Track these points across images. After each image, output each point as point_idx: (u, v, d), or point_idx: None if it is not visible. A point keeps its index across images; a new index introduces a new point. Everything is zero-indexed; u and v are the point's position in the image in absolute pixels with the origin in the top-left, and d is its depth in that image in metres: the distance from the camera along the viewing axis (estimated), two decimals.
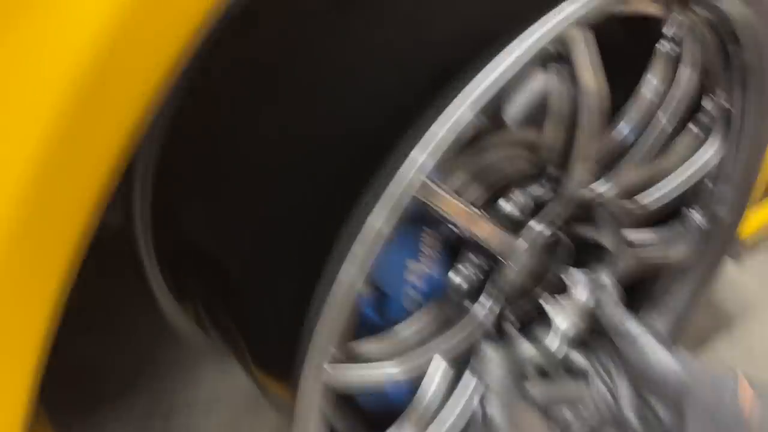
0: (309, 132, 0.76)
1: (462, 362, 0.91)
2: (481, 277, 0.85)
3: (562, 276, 0.99)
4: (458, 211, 0.74)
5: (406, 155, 0.66)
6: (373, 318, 0.80)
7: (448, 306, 0.85)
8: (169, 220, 0.96)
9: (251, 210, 0.81)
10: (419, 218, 0.77)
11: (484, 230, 0.78)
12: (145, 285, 1.03)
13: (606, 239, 0.95)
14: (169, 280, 1.01)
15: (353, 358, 0.77)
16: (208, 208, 0.88)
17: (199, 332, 1.06)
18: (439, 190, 0.70)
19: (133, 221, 0.98)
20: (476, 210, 0.76)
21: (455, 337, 0.85)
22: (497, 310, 0.89)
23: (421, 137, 0.66)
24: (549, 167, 0.85)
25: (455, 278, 0.85)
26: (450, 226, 0.76)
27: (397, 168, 0.66)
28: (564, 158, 0.82)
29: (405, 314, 0.82)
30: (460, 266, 0.84)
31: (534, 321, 1.00)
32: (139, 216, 0.97)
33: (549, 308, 0.99)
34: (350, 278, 0.67)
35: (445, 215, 0.72)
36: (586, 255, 0.99)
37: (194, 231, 0.93)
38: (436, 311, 0.85)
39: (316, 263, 0.70)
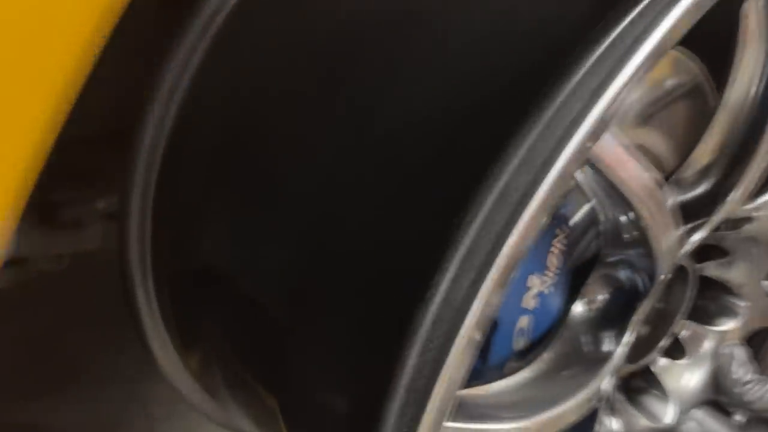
0: (401, 114, 0.54)
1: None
2: (618, 308, 0.64)
3: (680, 332, 0.78)
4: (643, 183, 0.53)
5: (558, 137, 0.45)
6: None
7: (571, 350, 0.63)
8: (179, 239, 0.72)
9: (310, 224, 0.58)
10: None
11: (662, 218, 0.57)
12: (137, 327, 0.79)
13: (742, 284, 0.75)
14: (171, 322, 0.78)
15: (464, 413, 0.53)
16: (241, 222, 0.65)
17: (202, 392, 0.81)
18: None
19: (127, 240, 0.75)
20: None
21: (582, 395, 0.62)
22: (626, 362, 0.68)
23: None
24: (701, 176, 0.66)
25: (585, 308, 0.63)
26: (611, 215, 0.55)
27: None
28: (730, 164, 0.64)
29: (510, 356, 0.59)
30: (591, 293, 0.63)
31: (641, 389, 0.79)
32: (136, 231, 0.74)
33: (665, 373, 0.78)
34: (483, 312, 0.44)
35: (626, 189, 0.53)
36: (710, 305, 0.79)
37: (217, 255, 0.69)
38: (555, 357, 0.62)
39: (413, 292, 0.47)
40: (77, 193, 0.84)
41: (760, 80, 0.62)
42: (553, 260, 0.57)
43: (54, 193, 0.83)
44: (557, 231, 0.57)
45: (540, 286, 0.57)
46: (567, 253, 0.58)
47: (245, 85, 0.65)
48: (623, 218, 0.59)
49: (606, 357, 0.62)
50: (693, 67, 0.74)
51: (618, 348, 0.62)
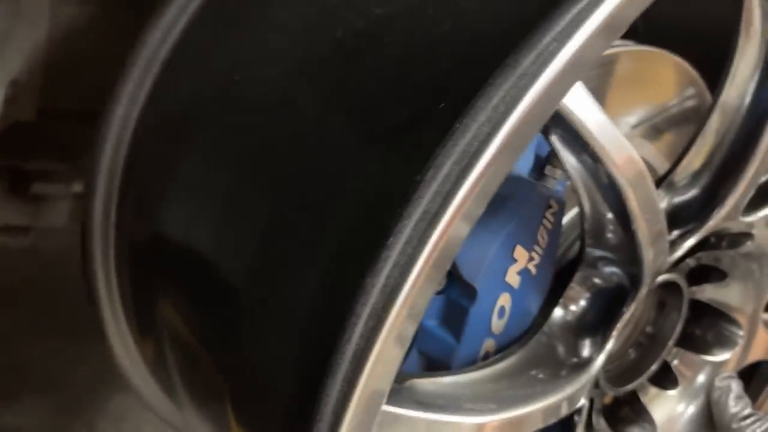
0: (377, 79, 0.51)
1: None
2: (600, 314, 0.59)
3: (672, 360, 0.73)
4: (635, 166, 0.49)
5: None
6: (442, 336, 0.53)
7: (544, 353, 0.58)
8: (143, 217, 0.69)
9: (273, 193, 0.54)
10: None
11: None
12: (95, 309, 0.74)
13: (740, 309, 0.71)
14: (129, 305, 0.73)
15: (413, 400, 0.49)
16: (205, 199, 0.61)
17: (154, 383, 0.75)
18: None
19: (91, 217, 0.71)
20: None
21: (550, 401, 0.56)
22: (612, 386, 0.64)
23: None
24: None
25: (566, 312, 0.59)
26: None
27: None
28: (724, 167, 0.61)
29: (485, 338, 0.54)
30: (572, 298, 0.59)
31: (628, 419, 0.73)
32: (100, 208, 0.70)
33: (654, 403, 0.72)
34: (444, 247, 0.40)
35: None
36: (706, 333, 0.74)
37: (180, 234, 0.65)
38: (526, 358, 0.57)
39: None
40: (53, 168, 0.81)
41: (758, 77, 0.59)
42: (543, 236, 0.53)
43: (29, 164, 0.81)
44: (551, 203, 0.53)
45: (526, 262, 0.52)
46: (553, 235, 0.54)
47: (216, 67, 0.63)
48: (609, 215, 0.56)
49: (583, 364, 0.58)
50: (697, 80, 0.73)
51: (598, 356, 0.58)
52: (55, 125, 0.81)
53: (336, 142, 0.51)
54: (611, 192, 0.53)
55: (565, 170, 0.51)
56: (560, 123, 0.46)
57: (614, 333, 0.59)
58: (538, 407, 0.56)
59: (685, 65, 0.71)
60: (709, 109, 0.61)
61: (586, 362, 0.59)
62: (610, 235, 0.58)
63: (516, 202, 0.51)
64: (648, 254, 0.56)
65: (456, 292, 0.51)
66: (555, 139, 0.48)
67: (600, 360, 0.59)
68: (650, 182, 0.53)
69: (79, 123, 0.83)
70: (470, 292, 0.51)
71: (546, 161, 0.55)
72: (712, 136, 0.62)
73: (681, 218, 0.62)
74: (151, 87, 0.65)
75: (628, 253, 0.57)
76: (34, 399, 1.03)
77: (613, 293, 0.60)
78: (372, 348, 0.41)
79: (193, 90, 0.64)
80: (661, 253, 0.58)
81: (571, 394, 0.58)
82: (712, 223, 0.61)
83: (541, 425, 0.57)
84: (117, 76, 0.67)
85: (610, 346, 0.59)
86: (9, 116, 0.76)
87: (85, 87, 0.81)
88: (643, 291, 0.58)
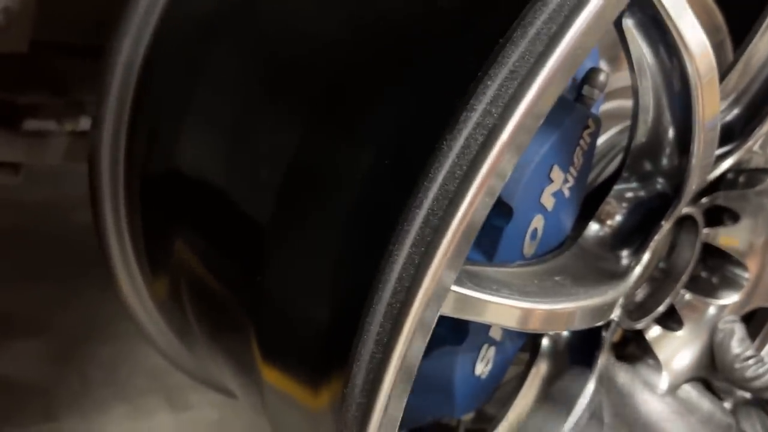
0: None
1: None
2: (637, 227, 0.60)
3: (680, 302, 0.74)
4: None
5: None
6: (475, 257, 0.51)
7: (584, 264, 0.58)
8: (155, 149, 0.66)
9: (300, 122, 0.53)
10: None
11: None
12: (102, 248, 0.71)
13: (747, 246, 0.71)
14: (140, 244, 0.70)
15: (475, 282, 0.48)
16: (224, 126, 0.59)
17: (161, 320, 0.73)
18: None
19: (99, 149, 0.69)
20: None
21: (594, 302, 0.55)
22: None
23: None
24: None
25: (601, 227, 0.59)
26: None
27: None
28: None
29: (517, 260, 0.54)
30: (608, 213, 0.58)
31: (632, 355, 0.74)
32: (109, 141, 0.68)
33: (659, 343, 0.73)
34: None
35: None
36: (713, 276, 0.75)
37: (196, 164, 0.62)
38: (568, 266, 0.56)
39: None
40: (46, 103, 0.78)
41: None
42: (579, 157, 0.52)
43: (21, 98, 0.77)
44: (588, 122, 0.52)
45: (561, 184, 0.52)
46: (588, 158, 0.54)
47: None
48: (668, 116, 0.55)
49: (622, 273, 0.58)
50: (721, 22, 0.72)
51: (635, 266, 0.58)
52: (49, 59, 0.78)
53: (361, 76, 0.50)
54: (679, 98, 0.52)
55: (633, 69, 0.51)
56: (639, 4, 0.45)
57: (652, 244, 0.59)
58: (580, 305, 0.54)
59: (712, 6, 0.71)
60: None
61: (625, 270, 0.59)
62: (663, 147, 0.57)
63: (555, 120, 0.50)
64: (697, 165, 0.56)
65: (490, 213, 0.50)
66: (631, 25, 0.47)
67: (637, 271, 0.59)
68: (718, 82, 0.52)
69: (74, 57, 0.80)
70: (506, 212, 0.50)
71: (583, 82, 0.54)
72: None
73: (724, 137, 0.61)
74: (163, 8, 0.63)
75: (678, 163, 0.57)
76: (23, 347, 1.00)
77: (651, 209, 0.60)
78: (424, 274, 0.41)
79: (205, 11, 0.62)
80: (707, 167, 0.58)
81: (610, 300, 0.58)
82: (751, 143, 0.61)
83: (584, 325, 0.57)
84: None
85: (647, 257, 0.59)
86: (1, 47, 0.73)
87: (80, 20, 0.78)
88: (682, 205, 0.59)
